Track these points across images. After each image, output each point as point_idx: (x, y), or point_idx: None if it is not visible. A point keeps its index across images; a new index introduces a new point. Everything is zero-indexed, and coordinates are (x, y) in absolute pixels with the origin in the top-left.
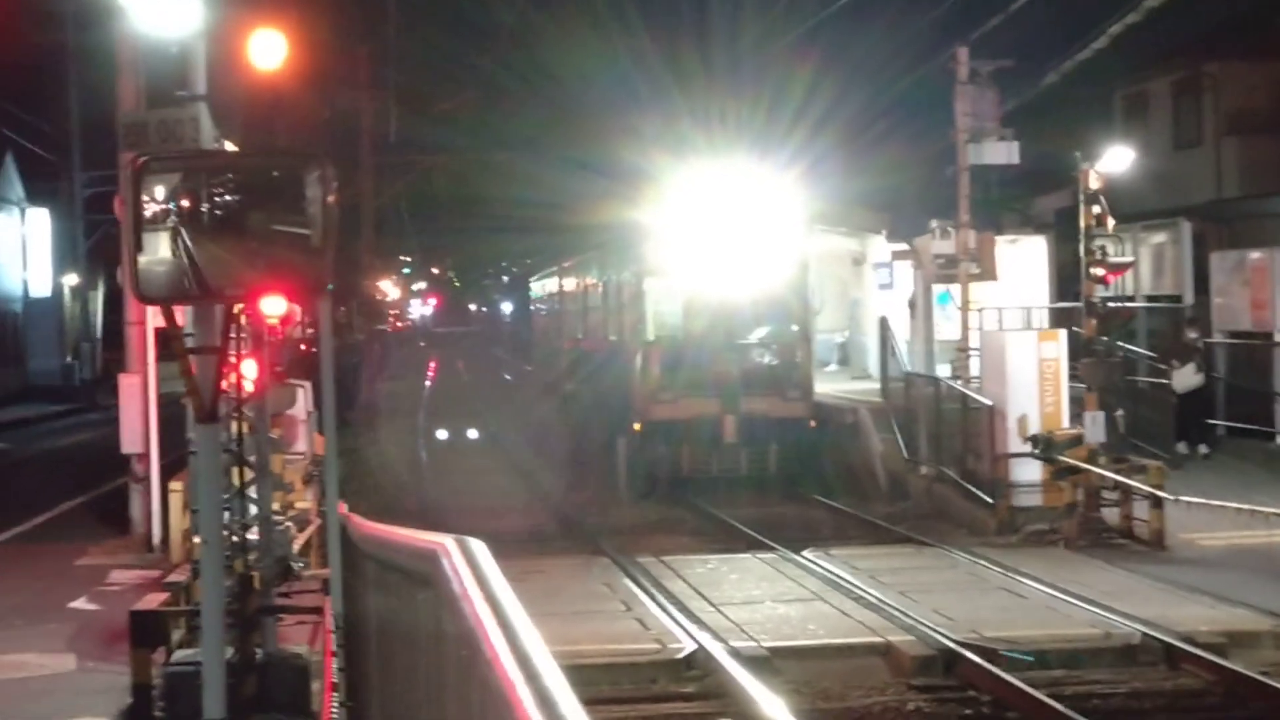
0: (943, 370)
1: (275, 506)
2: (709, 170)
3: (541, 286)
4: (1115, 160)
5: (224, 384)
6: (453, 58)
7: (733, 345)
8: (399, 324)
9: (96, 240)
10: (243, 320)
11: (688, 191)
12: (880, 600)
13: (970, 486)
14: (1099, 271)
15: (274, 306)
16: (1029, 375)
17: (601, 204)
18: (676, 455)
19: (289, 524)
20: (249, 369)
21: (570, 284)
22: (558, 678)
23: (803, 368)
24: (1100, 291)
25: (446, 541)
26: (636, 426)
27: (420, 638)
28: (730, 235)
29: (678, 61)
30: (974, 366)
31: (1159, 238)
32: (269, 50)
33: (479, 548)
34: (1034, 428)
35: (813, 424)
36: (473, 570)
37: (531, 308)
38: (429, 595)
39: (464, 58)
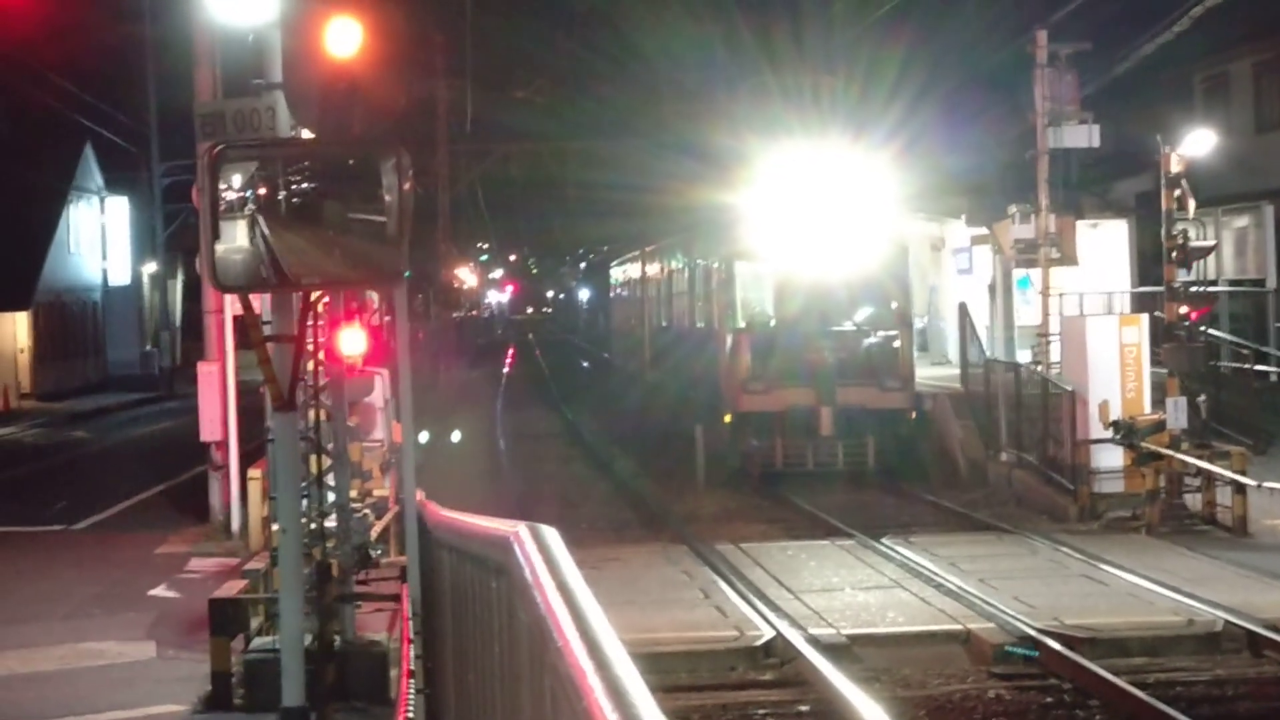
0: (1023, 356)
1: (353, 494)
2: (802, 151)
3: (622, 272)
4: (1197, 144)
5: (301, 372)
6: (530, 42)
7: (828, 332)
8: (474, 311)
9: (175, 229)
10: (320, 308)
11: (780, 172)
12: (960, 587)
13: (1051, 473)
14: (1180, 255)
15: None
16: (1110, 361)
17: (687, 188)
18: (769, 449)
19: (367, 511)
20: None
21: (653, 269)
22: (628, 666)
23: (903, 355)
24: (1182, 276)
25: (519, 529)
26: (727, 418)
27: (494, 625)
28: (825, 216)
29: (765, 40)
30: (1054, 352)
31: (1241, 221)
32: (345, 38)
33: (551, 535)
34: (1115, 413)
35: (913, 415)
36: (545, 557)
37: (611, 294)
38: (502, 583)
39: (541, 42)
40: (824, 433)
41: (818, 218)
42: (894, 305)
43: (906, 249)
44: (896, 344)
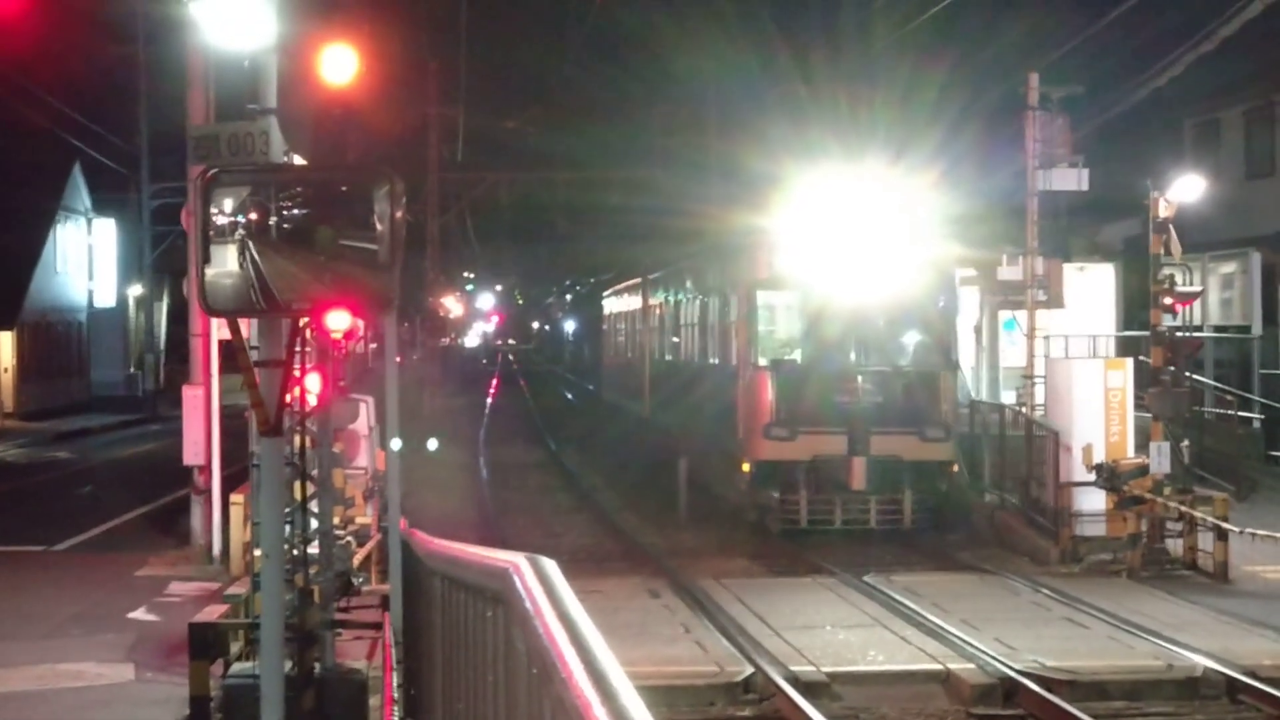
0: (1008, 397)
1: (335, 521)
2: (834, 168)
3: (617, 302)
4: (1186, 189)
5: (288, 398)
6: (524, 71)
7: (862, 371)
8: (456, 339)
9: (162, 251)
10: (308, 335)
11: (810, 192)
12: (941, 627)
13: (1033, 515)
14: (1167, 300)
15: (338, 322)
16: (1095, 404)
17: (699, 211)
18: (792, 503)
19: (349, 539)
20: (313, 383)
21: (656, 298)
22: (634, 698)
23: (946, 400)
24: (1168, 321)
25: (518, 560)
26: (744, 466)
27: (489, 655)
28: (860, 239)
29: (774, 57)
30: (1039, 394)
31: (1228, 268)
32: (341, 65)
33: (551, 567)
34: (1099, 457)
35: (955, 469)
36: (545, 589)
37: (603, 325)
38: (499, 612)
39: (535, 71)
40: (855, 486)
41: (851, 241)
42: (936, 350)
43: (953, 276)
44: (939, 386)
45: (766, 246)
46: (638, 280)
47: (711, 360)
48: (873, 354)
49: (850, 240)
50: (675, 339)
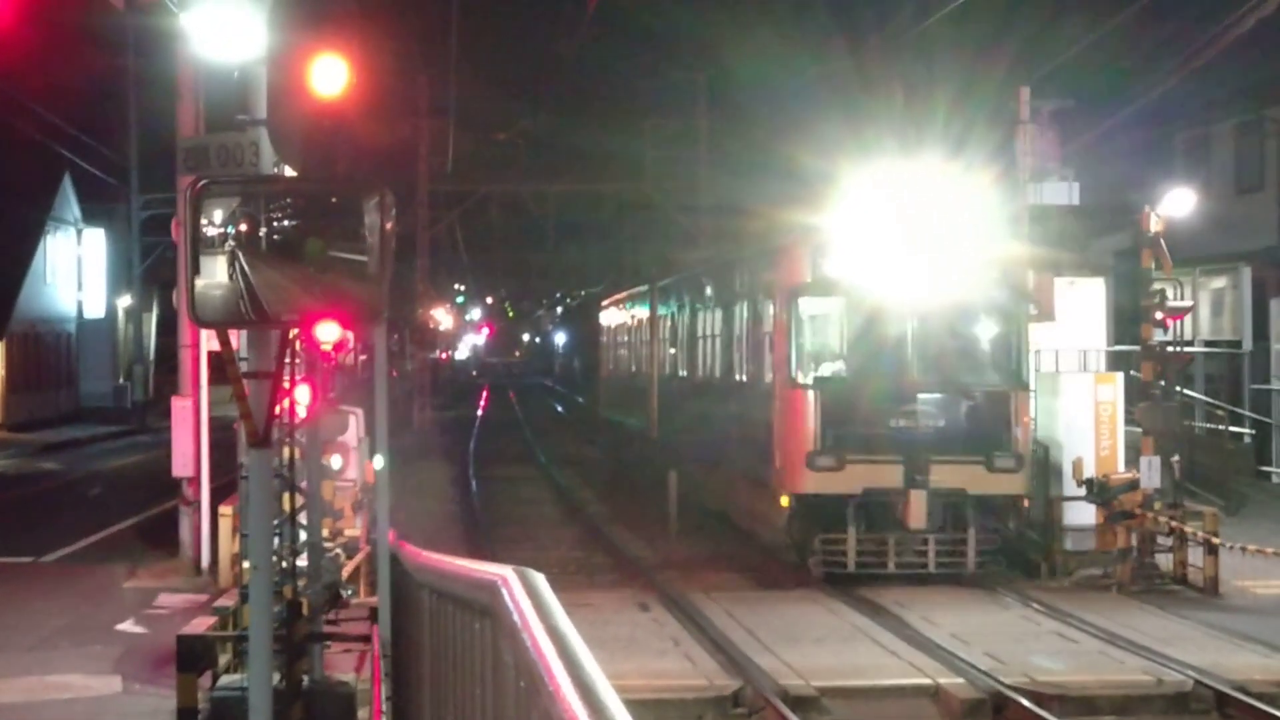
0: None
1: (324, 533)
2: (890, 158)
3: (618, 312)
4: (1176, 203)
5: (277, 409)
6: (512, 86)
7: (920, 391)
8: (447, 353)
9: (152, 262)
10: (297, 346)
11: (861, 187)
12: (931, 641)
13: (1023, 529)
14: (1157, 315)
15: (328, 333)
16: (1085, 418)
17: (734, 208)
18: (838, 544)
19: (338, 551)
20: (302, 394)
21: (668, 308)
22: (622, 711)
23: (1018, 424)
24: (1158, 335)
25: (507, 573)
26: (783, 500)
27: (477, 668)
28: (919, 240)
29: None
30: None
31: (1218, 282)
32: (331, 77)
33: (540, 580)
34: (1089, 471)
35: (1026, 503)
36: (534, 602)
37: (602, 338)
38: (487, 625)
39: (525, 84)
40: (912, 525)
41: (908, 239)
42: (1004, 366)
43: (1025, 280)
44: (1010, 407)
45: (810, 246)
46: (643, 288)
47: (737, 377)
48: (932, 370)
49: (906, 238)
50: (690, 352)
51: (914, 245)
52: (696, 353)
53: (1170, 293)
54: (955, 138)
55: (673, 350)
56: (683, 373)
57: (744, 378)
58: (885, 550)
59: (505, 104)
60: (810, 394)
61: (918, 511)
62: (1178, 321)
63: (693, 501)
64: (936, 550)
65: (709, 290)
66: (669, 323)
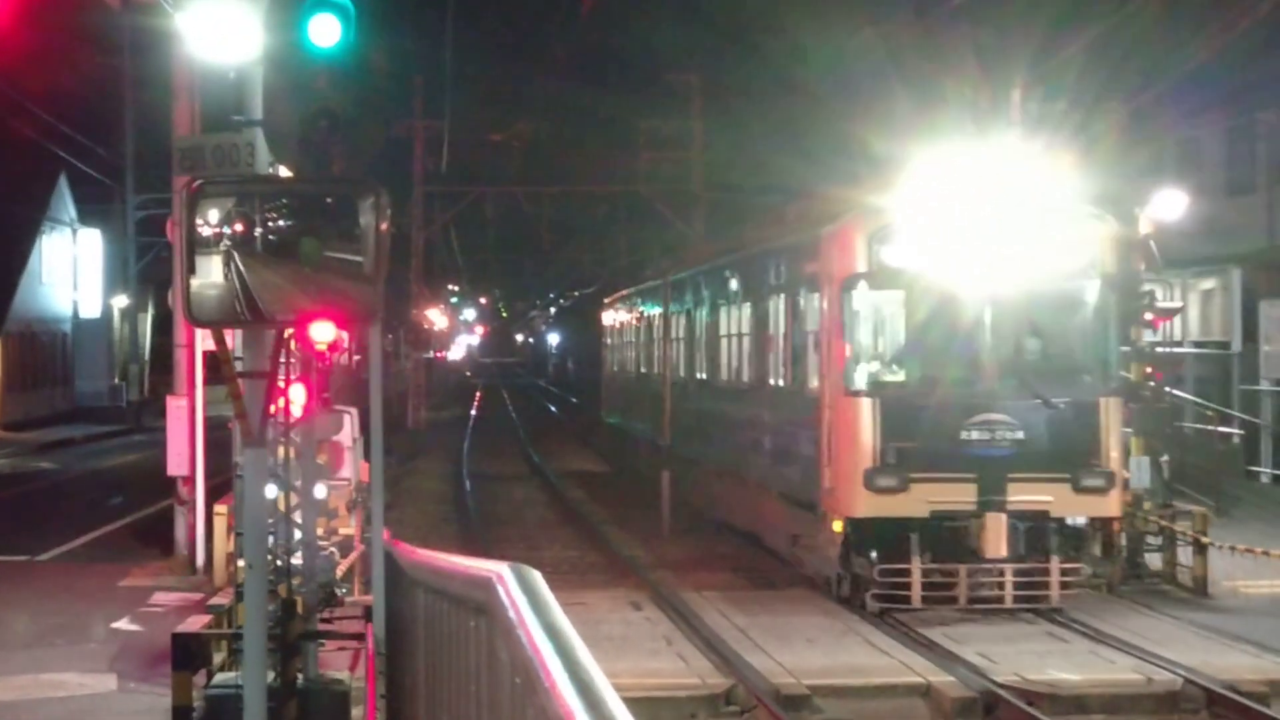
0: None
1: (319, 532)
2: (959, 141)
3: (624, 311)
4: (1167, 205)
5: (272, 409)
6: (508, 88)
7: (997, 399)
8: (440, 354)
9: (147, 262)
10: (292, 346)
11: (927, 163)
12: (923, 640)
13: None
14: (1147, 316)
15: (323, 333)
16: None
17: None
18: (900, 575)
19: (333, 550)
20: (297, 394)
21: (682, 304)
22: (620, 707)
23: (1109, 437)
24: (1148, 336)
25: (502, 569)
26: (836, 525)
27: (472, 665)
28: (994, 223)
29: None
30: None
31: (1208, 284)
32: (326, 30)
33: (535, 576)
34: None
35: (1118, 527)
36: (530, 599)
37: (605, 338)
38: (482, 622)
39: (521, 85)
40: (988, 553)
41: (982, 222)
42: (1093, 369)
43: (1114, 274)
44: (1099, 417)
45: (867, 231)
46: (654, 284)
47: (773, 381)
48: (1009, 374)
49: (980, 221)
50: (711, 352)
51: (989, 227)
52: (719, 353)
53: (1160, 294)
54: (1033, 116)
55: (689, 350)
56: (701, 375)
57: (781, 382)
58: (955, 582)
59: (501, 105)
60: (869, 402)
61: (995, 538)
62: (1168, 323)
63: (709, 518)
64: (1015, 581)
65: (734, 284)
66: (684, 320)
